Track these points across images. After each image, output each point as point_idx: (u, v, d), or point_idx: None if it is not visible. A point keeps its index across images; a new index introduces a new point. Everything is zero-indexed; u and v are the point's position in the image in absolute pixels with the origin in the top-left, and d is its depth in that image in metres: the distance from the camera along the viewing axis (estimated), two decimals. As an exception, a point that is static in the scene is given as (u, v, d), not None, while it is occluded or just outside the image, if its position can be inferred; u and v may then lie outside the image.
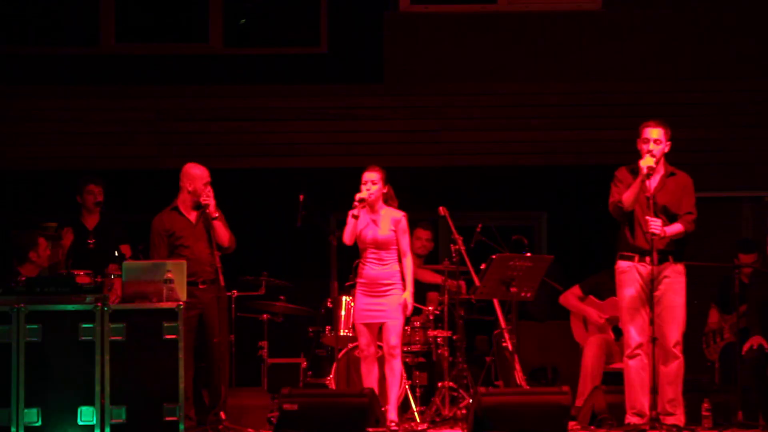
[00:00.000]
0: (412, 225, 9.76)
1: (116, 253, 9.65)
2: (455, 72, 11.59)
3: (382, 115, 11.52)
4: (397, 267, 8.69)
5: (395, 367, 8.63)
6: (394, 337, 8.63)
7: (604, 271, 9.72)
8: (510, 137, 11.49)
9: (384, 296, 8.64)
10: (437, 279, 9.87)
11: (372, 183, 8.60)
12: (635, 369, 8.30)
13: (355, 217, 8.56)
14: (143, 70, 11.61)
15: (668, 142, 8.29)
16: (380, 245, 8.63)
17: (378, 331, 8.76)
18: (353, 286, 8.98)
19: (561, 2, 11.67)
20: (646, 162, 8.17)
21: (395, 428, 8.50)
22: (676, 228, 8.26)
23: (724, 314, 9.76)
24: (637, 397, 8.29)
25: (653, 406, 8.14)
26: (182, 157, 10.94)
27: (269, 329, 9.97)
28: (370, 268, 8.66)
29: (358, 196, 8.57)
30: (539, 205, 11.95)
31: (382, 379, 8.87)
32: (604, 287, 9.71)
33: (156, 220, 8.92)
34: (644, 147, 8.23)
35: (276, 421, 8.34)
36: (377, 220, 8.63)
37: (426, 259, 10.30)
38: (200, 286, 8.77)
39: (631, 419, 8.31)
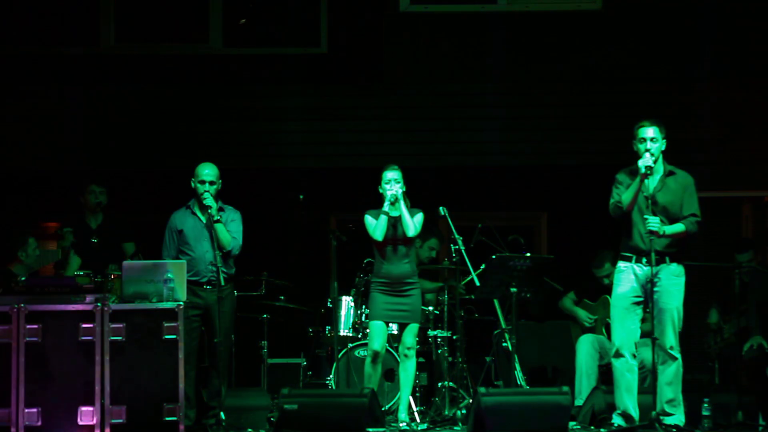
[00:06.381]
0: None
1: (118, 253, 9.68)
2: (455, 72, 11.59)
3: (382, 115, 11.52)
4: (415, 264, 8.80)
5: (410, 368, 8.71)
6: (411, 337, 8.72)
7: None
8: (510, 137, 11.49)
9: (407, 296, 8.71)
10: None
11: (396, 181, 8.69)
12: (620, 370, 8.32)
13: (387, 214, 8.64)
14: (143, 70, 11.61)
15: (664, 140, 8.30)
16: (408, 241, 8.72)
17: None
18: (362, 282, 8.97)
19: (561, 2, 11.67)
20: (645, 161, 8.17)
21: (405, 428, 8.55)
22: (677, 228, 8.25)
23: (724, 314, 9.77)
24: (622, 398, 8.31)
25: (653, 406, 8.16)
26: (183, 157, 10.97)
27: (269, 329, 9.98)
28: (395, 265, 8.70)
29: (391, 194, 8.64)
30: (539, 205, 11.95)
31: (382, 379, 8.91)
32: (595, 288, 9.79)
33: (171, 218, 8.94)
34: (642, 146, 8.24)
35: (276, 421, 8.35)
36: (400, 217, 8.69)
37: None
38: (205, 287, 8.77)
39: (616, 419, 8.35)
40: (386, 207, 8.66)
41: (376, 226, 8.66)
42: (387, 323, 8.79)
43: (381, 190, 8.73)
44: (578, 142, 11.48)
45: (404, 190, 8.73)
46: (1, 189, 11.31)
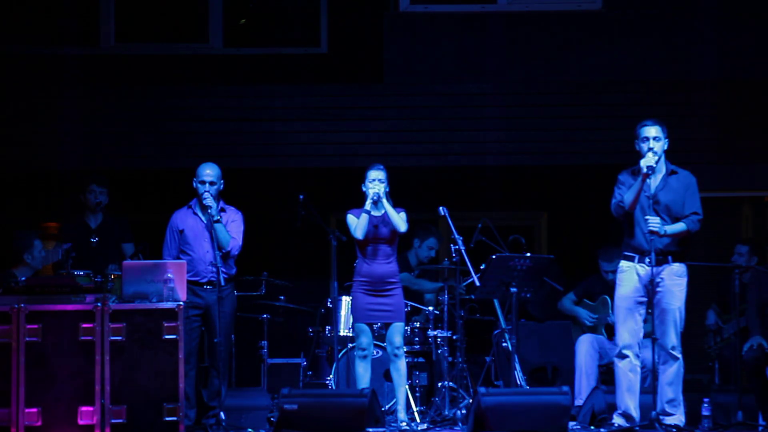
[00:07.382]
0: (418, 228, 9.85)
1: (118, 253, 9.67)
2: (455, 72, 11.59)
3: (382, 115, 11.52)
4: (396, 264, 8.78)
5: (401, 367, 8.70)
6: (399, 337, 8.71)
7: (595, 275, 9.83)
8: (510, 137, 11.48)
9: (389, 296, 8.69)
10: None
11: (379, 181, 8.68)
12: (622, 370, 8.33)
13: (368, 213, 8.64)
14: (143, 70, 11.61)
15: (666, 140, 8.32)
16: (390, 240, 8.73)
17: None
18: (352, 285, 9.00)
19: (561, 2, 11.66)
20: (647, 161, 8.18)
21: (405, 428, 8.55)
22: (679, 227, 8.26)
23: (723, 314, 9.78)
24: (623, 398, 8.31)
25: (653, 406, 8.16)
26: (182, 157, 10.97)
27: (269, 329, 9.97)
28: (377, 265, 8.70)
29: (372, 192, 8.65)
30: (539, 205, 11.95)
31: (377, 378, 8.92)
32: (595, 289, 9.83)
33: (172, 217, 8.95)
34: (644, 146, 8.25)
35: (276, 421, 8.35)
36: (385, 216, 8.68)
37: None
38: (205, 287, 8.78)
39: (616, 419, 8.35)
40: (368, 206, 8.66)
41: (357, 224, 8.66)
42: (371, 324, 8.79)
43: (364, 189, 8.74)
44: (578, 142, 11.47)
45: (387, 189, 8.73)
46: (1, 189, 11.30)
